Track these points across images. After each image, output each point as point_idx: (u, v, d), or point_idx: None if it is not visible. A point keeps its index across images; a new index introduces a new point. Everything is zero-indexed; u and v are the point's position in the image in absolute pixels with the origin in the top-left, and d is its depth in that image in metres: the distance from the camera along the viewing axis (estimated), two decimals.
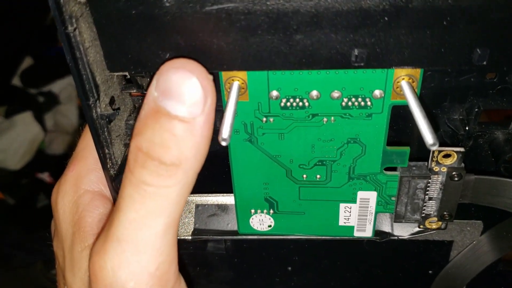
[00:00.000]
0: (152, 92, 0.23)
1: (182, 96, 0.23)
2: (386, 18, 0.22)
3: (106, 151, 0.29)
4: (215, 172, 0.36)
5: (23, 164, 1.17)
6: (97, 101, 0.27)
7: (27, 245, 1.04)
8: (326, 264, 0.40)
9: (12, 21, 1.17)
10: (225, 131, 0.23)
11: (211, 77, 0.24)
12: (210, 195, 0.36)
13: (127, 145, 0.31)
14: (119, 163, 0.30)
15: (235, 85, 0.26)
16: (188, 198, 0.37)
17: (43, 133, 1.21)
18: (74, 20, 0.24)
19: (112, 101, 0.29)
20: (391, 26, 0.23)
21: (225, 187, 0.35)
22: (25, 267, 1.01)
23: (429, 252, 0.39)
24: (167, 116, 0.23)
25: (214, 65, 0.25)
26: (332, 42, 0.23)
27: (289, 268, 0.41)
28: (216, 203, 0.36)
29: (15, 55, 1.24)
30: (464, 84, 0.29)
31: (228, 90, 0.27)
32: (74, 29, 0.24)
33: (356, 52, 0.24)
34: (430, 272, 0.40)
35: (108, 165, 0.29)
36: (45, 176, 1.16)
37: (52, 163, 1.16)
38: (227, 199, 0.36)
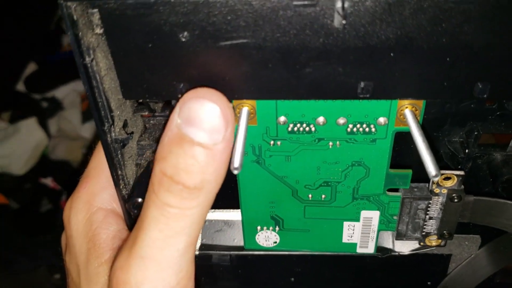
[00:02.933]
0: (175, 119, 0.24)
1: (204, 124, 0.24)
2: (391, 54, 0.23)
3: (119, 172, 0.30)
4: (222, 189, 0.37)
5: (27, 169, 1.18)
6: (112, 126, 0.28)
7: (31, 250, 1.05)
8: (330, 277, 0.41)
9: (16, 26, 1.18)
10: (237, 161, 0.24)
11: (231, 105, 0.25)
12: (217, 210, 0.37)
13: (138, 165, 0.32)
14: (131, 183, 0.31)
15: (245, 111, 0.27)
16: None
17: (47, 138, 1.22)
18: (91, 51, 0.25)
19: (125, 125, 0.30)
20: (396, 62, 0.24)
21: (232, 203, 0.36)
22: (28, 272, 1.02)
23: (428, 265, 0.40)
24: (190, 143, 0.24)
25: (225, 94, 0.26)
26: (339, 75, 0.24)
27: (292, 279, 0.42)
28: (222, 218, 0.37)
29: (19, 60, 1.25)
30: (464, 110, 0.30)
31: (238, 114, 0.28)
32: (92, 60, 0.25)
33: (362, 84, 0.25)
34: (428, 283, 0.41)
35: (121, 186, 0.30)
36: (49, 182, 1.17)
37: (56, 169, 1.17)
38: (234, 215, 0.37)
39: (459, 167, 0.32)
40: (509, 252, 0.38)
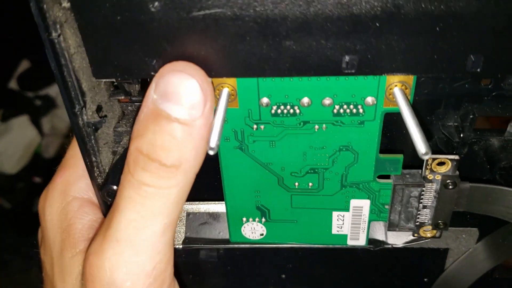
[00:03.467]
0: (151, 94, 0.23)
1: (182, 99, 0.23)
2: (377, 24, 0.22)
3: (93, 159, 0.28)
4: (206, 180, 0.35)
5: (20, 168, 1.16)
6: (83, 109, 0.26)
7: (24, 250, 1.03)
8: (321, 272, 0.39)
9: (9, 24, 1.17)
10: (213, 140, 0.23)
11: (210, 80, 0.24)
12: (201, 203, 0.36)
13: (115, 153, 0.30)
14: (107, 171, 0.30)
15: (225, 92, 0.26)
16: None
17: (40, 137, 1.20)
18: (58, 26, 0.23)
19: (99, 109, 0.28)
20: (383, 32, 0.22)
21: (217, 195, 0.34)
22: (21, 272, 1.00)
23: (424, 260, 0.38)
24: (167, 119, 0.23)
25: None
26: (322, 48, 0.23)
27: (283, 276, 0.40)
28: (207, 211, 0.36)
29: (12, 58, 1.24)
30: (458, 90, 0.28)
31: (218, 97, 0.26)
32: (58, 35, 0.23)
33: (347, 58, 0.23)
34: (425, 280, 0.39)
35: (96, 174, 0.29)
36: (42, 180, 1.15)
37: (49, 167, 1.15)
38: (219, 207, 0.35)
39: (454, 152, 0.31)
40: (508, 245, 0.36)
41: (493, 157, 0.31)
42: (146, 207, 0.24)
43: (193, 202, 0.36)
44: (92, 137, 0.28)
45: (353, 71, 0.23)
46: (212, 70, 0.24)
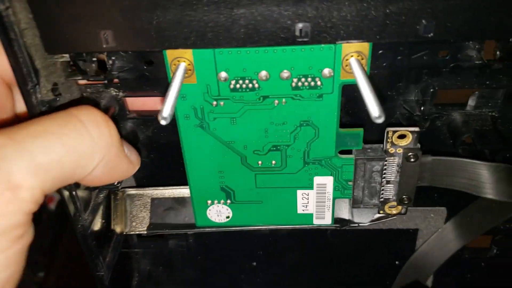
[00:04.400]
0: None
1: None
2: None
3: None
4: (170, 165, 0.35)
5: None
6: (37, 86, 0.26)
7: None
8: (291, 257, 0.39)
9: None
10: (166, 110, 0.22)
11: None
12: (165, 188, 0.35)
13: None
14: None
15: (181, 66, 0.26)
16: (143, 191, 0.35)
17: None
18: None
19: (55, 88, 0.28)
20: None
21: (181, 180, 0.34)
22: None
23: (394, 241, 0.38)
24: None
25: (156, 43, 0.24)
26: (275, 16, 0.23)
27: (254, 264, 0.40)
28: (172, 196, 0.35)
29: None
30: (417, 62, 0.28)
31: (174, 71, 0.26)
32: (7, 8, 0.23)
33: (300, 26, 0.23)
34: (397, 262, 0.39)
35: None
36: None
37: None
38: (183, 192, 0.35)
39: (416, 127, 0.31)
40: (476, 224, 0.36)
41: (455, 131, 0.31)
42: None
43: (157, 188, 0.35)
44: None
45: (306, 39, 0.23)
46: (165, 41, 0.24)
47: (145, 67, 0.28)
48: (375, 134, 0.30)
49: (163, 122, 0.22)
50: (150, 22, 0.23)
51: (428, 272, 0.39)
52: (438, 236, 0.38)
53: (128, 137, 0.32)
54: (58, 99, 0.27)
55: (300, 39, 0.23)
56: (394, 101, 0.31)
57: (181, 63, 0.26)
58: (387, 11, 0.22)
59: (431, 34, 0.23)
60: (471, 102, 0.31)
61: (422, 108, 0.30)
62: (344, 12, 0.23)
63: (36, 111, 0.26)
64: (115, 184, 0.33)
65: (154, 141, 0.34)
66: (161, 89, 0.31)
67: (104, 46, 0.24)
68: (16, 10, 0.23)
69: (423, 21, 0.23)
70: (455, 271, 0.40)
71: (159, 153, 0.34)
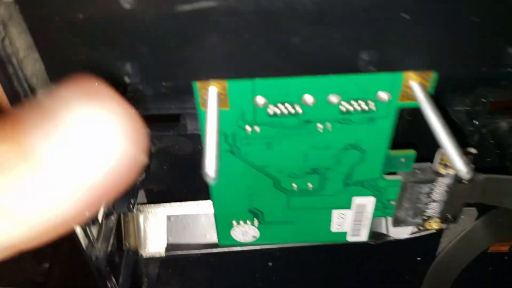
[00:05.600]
0: None
1: None
2: (404, 15, 0.18)
3: None
4: (188, 178, 0.31)
5: None
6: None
7: None
8: (311, 268, 0.37)
9: None
10: (210, 168, 0.18)
11: None
12: (183, 203, 0.32)
13: None
14: None
15: (213, 94, 0.21)
16: (157, 209, 0.32)
17: None
18: (1, 27, 0.18)
19: None
20: (410, 24, 0.18)
21: (201, 193, 0.31)
22: (16, 261, 0.94)
23: (418, 244, 0.36)
24: None
25: (188, 74, 0.20)
26: (336, 45, 0.19)
27: (270, 264, 0.38)
28: (191, 212, 0.32)
29: None
30: (475, 74, 0.25)
31: (205, 97, 0.22)
32: (3, 39, 0.18)
33: (364, 55, 0.19)
34: (418, 259, 0.38)
35: None
36: None
37: None
38: (204, 207, 0.32)
39: (466, 140, 0.28)
40: (507, 225, 0.34)
41: (503, 141, 0.29)
42: None
43: (173, 203, 0.32)
44: None
45: (372, 69, 0.20)
46: (200, 73, 0.20)
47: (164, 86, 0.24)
48: (422, 151, 0.27)
49: (212, 182, 0.19)
50: (183, 53, 0.19)
51: (455, 272, 0.38)
52: (466, 235, 0.36)
53: None
54: None
55: (363, 69, 0.20)
56: (444, 110, 0.27)
57: (211, 86, 0.22)
58: (475, 36, 0.19)
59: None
60: None
61: (474, 122, 0.27)
62: (421, 39, 0.19)
63: None
64: (130, 207, 0.29)
65: (168, 153, 0.30)
66: (181, 104, 0.28)
67: (127, 79, 0.20)
68: (13, 37, 0.19)
69: (510, 50, 0.19)
70: (477, 264, 0.38)
71: (174, 165, 0.31)
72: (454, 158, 0.18)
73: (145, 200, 0.33)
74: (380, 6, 0.18)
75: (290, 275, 0.37)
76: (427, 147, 0.27)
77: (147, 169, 0.29)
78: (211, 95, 0.21)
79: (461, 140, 0.27)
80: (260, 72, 0.20)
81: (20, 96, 0.20)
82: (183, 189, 0.32)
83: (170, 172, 0.31)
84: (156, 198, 0.32)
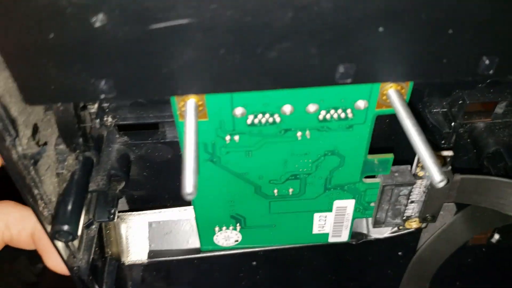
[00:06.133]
0: None
1: None
2: (380, 28, 0.18)
3: (36, 192, 0.23)
4: (169, 183, 0.31)
5: None
6: (16, 139, 0.21)
7: None
8: (299, 268, 0.37)
9: None
10: (189, 184, 0.18)
11: None
12: (164, 209, 0.32)
13: (59, 175, 0.25)
14: (53, 199, 0.25)
15: (191, 106, 0.21)
16: (139, 216, 0.32)
17: None
18: None
19: (35, 131, 0.23)
20: (387, 36, 0.18)
21: (182, 199, 0.30)
22: (9, 262, 0.93)
23: (399, 238, 0.36)
24: None
25: (164, 90, 0.20)
26: (313, 58, 0.19)
27: (254, 263, 0.38)
28: (172, 218, 0.32)
29: None
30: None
31: (183, 109, 0.22)
32: None
33: (341, 68, 0.19)
34: (399, 253, 0.38)
35: (41, 207, 0.24)
36: None
37: None
38: (185, 213, 0.32)
39: (442, 141, 0.28)
40: (486, 217, 0.35)
41: (480, 142, 0.29)
42: None
43: (154, 210, 0.32)
44: (32, 168, 0.23)
45: (349, 81, 0.20)
46: (177, 89, 0.20)
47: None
48: (401, 154, 0.28)
49: (189, 198, 0.19)
50: (157, 69, 0.19)
51: (435, 266, 0.39)
52: (446, 230, 0.37)
53: (119, 161, 0.28)
54: (44, 150, 0.23)
55: (340, 81, 0.20)
56: (419, 114, 0.28)
57: (189, 99, 0.21)
58: (448, 50, 0.19)
59: (491, 71, 0.20)
60: (499, 110, 0.28)
61: (452, 124, 0.27)
62: (397, 52, 0.19)
63: (19, 168, 0.22)
64: (110, 217, 0.29)
65: (148, 160, 0.30)
66: (159, 113, 0.27)
67: (102, 96, 0.19)
68: None
69: (485, 58, 0.19)
70: (457, 258, 0.39)
71: (154, 171, 0.31)
72: (429, 167, 0.19)
73: (126, 207, 0.32)
74: (356, 20, 0.17)
75: (274, 273, 0.37)
76: (406, 149, 0.28)
77: (126, 177, 0.28)
78: (189, 110, 0.21)
79: (438, 141, 0.28)
80: (238, 86, 0.20)
81: None
82: (164, 195, 0.32)
83: (151, 179, 0.31)
84: (137, 204, 0.32)
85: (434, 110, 0.28)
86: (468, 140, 0.30)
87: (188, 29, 0.17)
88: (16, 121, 0.21)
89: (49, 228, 0.25)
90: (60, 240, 0.24)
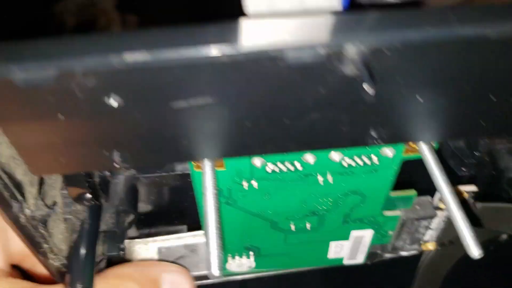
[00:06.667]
0: None
1: None
2: (418, 98, 0.16)
3: (46, 246, 0.22)
4: (178, 209, 0.30)
5: None
6: (23, 202, 0.20)
7: None
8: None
9: None
10: (214, 265, 0.17)
11: None
12: (174, 235, 0.31)
13: (67, 220, 0.24)
14: (63, 247, 0.24)
15: (208, 173, 0.20)
16: (148, 242, 0.31)
17: None
18: None
19: (41, 185, 0.22)
20: (422, 105, 0.17)
21: (193, 223, 0.30)
22: None
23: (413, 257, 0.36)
24: None
25: (183, 158, 0.18)
26: (344, 125, 0.17)
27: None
28: (183, 243, 0.31)
29: None
30: None
31: (199, 164, 0.21)
32: None
33: (373, 133, 0.18)
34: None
35: (51, 259, 0.23)
36: None
37: None
38: (196, 238, 0.31)
39: (463, 168, 0.27)
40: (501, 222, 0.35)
41: (500, 164, 0.28)
42: None
43: (165, 236, 0.31)
44: (41, 226, 0.21)
45: (379, 142, 0.18)
46: (197, 156, 0.18)
47: None
48: (421, 184, 0.27)
49: (216, 275, 0.18)
50: (177, 142, 0.17)
51: (445, 269, 0.39)
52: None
53: (127, 196, 0.27)
54: (53, 211, 0.21)
55: (370, 142, 0.18)
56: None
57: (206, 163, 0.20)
58: (493, 110, 0.17)
59: None
60: None
61: (476, 154, 0.26)
62: (431, 117, 0.17)
63: (28, 229, 0.21)
64: (120, 252, 0.28)
65: (156, 188, 0.29)
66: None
67: (115, 166, 0.18)
68: None
69: None
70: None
71: (162, 196, 0.29)
72: (467, 239, 0.18)
73: (135, 234, 0.31)
74: (392, 93, 0.16)
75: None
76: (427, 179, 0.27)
77: (135, 211, 0.27)
78: (207, 174, 0.20)
79: (459, 166, 0.27)
80: (262, 150, 0.18)
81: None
82: (173, 220, 0.31)
83: (158, 203, 0.30)
84: (146, 231, 0.31)
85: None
86: (488, 160, 0.29)
87: (212, 107, 0.16)
88: (22, 183, 0.20)
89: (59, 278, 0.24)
90: None
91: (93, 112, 0.16)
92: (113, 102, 0.15)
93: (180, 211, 0.30)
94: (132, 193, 0.28)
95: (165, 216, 0.31)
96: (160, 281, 0.26)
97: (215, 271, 0.17)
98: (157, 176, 0.27)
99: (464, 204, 0.24)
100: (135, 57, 0.13)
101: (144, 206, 0.30)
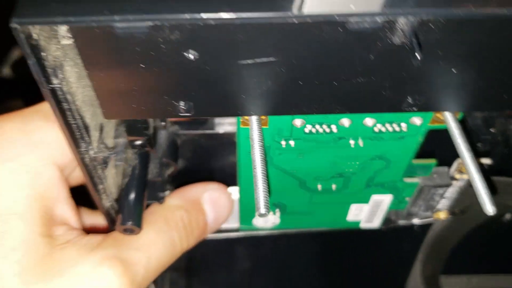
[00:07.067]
0: (209, 222, 0.30)
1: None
2: (454, 70, 0.19)
3: (101, 186, 0.25)
4: (212, 166, 0.32)
5: None
6: (90, 144, 0.22)
7: None
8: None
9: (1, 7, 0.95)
10: (262, 205, 0.20)
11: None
12: None
13: (117, 167, 0.27)
14: (113, 190, 0.26)
15: (255, 124, 0.22)
16: None
17: None
18: (58, 70, 0.18)
19: (101, 130, 0.24)
20: (458, 77, 0.19)
21: (229, 179, 0.32)
22: None
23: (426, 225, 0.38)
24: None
25: (240, 112, 0.21)
26: (384, 90, 0.20)
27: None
28: None
29: (4, 44, 1.03)
30: None
31: (246, 118, 0.23)
32: (61, 82, 0.19)
33: (410, 99, 0.20)
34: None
35: (103, 199, 0.25)
36: None
37: None
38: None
39: (478, 145, 0.29)
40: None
41: None
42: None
43: None
44: (99, 167, 0.24)
45: (413, 109, 0.21)
46: (252, 111, 0.21)
47: None
48: (440, 154, 0.29)
49: (262, 216, 0.20)
50: (238, 96, 0.20)
51: (450, 245, 0.41)
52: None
53: (169, 148, 0.30)
54: (113, 153, 0.24)
55: (406, 109, 0.21)
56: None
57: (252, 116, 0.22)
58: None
59: None
60: None
61: (491, 130, 0.28)
62: (466, 88, 0.20)
63: (90, 169, 0.23)
64: (160, 200, 0.30)
65: (194, 146, 0.31)
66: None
67: (180, 115, 0.20)
68: (67, 75, 0.19)
69: None
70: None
71: (199, 154, 0.32)
72: (482, 197, 0.20)
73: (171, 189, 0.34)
74: (428, 61, 0.18)
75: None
76: (446, 151, 0.29)
77: (176, 164, 0.30)
78: (254, 126, 0.22)
79: (475, 143, 0.29)
80: (308, 110, 0.20)
81: (73, 127, 0.21)
82: (205, 178, 0.33)
83: (195, 162, 0.32)
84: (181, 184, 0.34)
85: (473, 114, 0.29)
86: (502, 138, 0.31)
87: (272, 65, 0.18)
88: (89, 126, 0.22)
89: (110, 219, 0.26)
90: (126, 234, 0.26)
91: (170, 64, 0.18)
92: (191, 55, 0.18)
93: (213, 169, 0.33)
94: (174, 147, 0.30)
95: (199, 173, 0.33)
96: (201, 201, 0.29)
97: (263, 209, 0.20)
98: (196, 134, 0.30)
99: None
100: (219, 16, 0.16)
101: (181, 162, 0.32)
